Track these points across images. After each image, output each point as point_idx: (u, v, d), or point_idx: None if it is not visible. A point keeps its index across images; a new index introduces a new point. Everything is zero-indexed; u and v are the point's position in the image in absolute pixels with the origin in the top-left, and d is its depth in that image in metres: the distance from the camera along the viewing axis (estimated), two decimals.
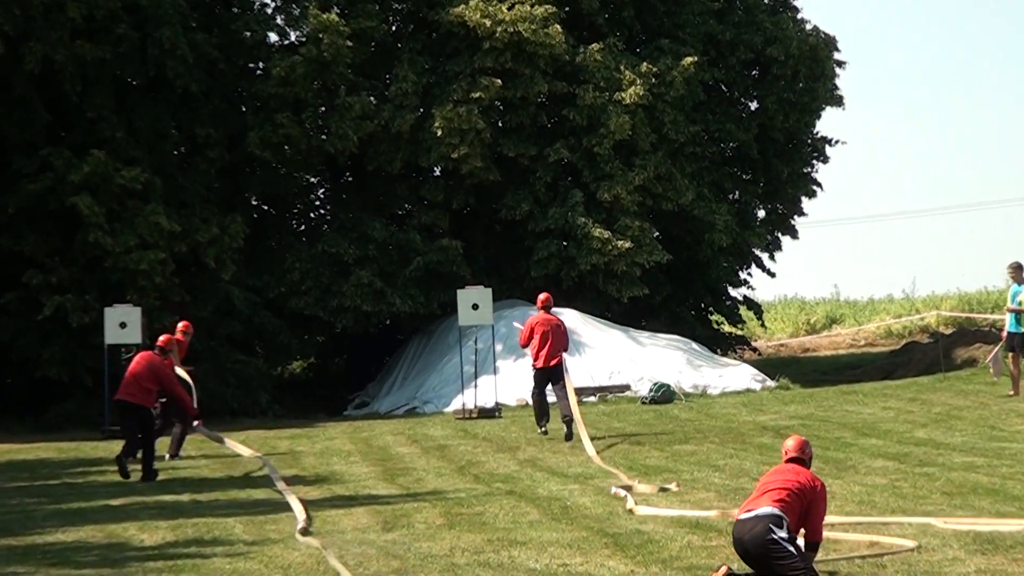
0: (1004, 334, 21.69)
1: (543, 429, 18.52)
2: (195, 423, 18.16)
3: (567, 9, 29.65)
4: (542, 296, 18.99)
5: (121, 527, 11.81)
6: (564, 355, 18.37)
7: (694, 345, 28.61)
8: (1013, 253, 50.92)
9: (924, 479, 13.23)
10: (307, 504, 12.79)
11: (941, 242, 77.57)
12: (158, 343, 16.76)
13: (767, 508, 8.69)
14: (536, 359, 18.27)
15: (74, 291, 24.24)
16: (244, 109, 28.64)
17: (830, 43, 32.11)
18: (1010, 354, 21.41)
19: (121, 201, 24.88)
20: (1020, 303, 21.03)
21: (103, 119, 25.54)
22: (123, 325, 22.45)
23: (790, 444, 9.47)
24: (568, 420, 17.48)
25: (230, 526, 11.83)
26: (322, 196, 32.56)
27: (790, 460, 9.30)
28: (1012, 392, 20.86)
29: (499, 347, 25.33)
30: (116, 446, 18.61)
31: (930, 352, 29.15)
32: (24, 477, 16.24)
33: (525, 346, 18.59)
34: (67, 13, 23.98)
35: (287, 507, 12.65)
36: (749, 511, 8.79)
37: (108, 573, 10.00)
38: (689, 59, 29.23)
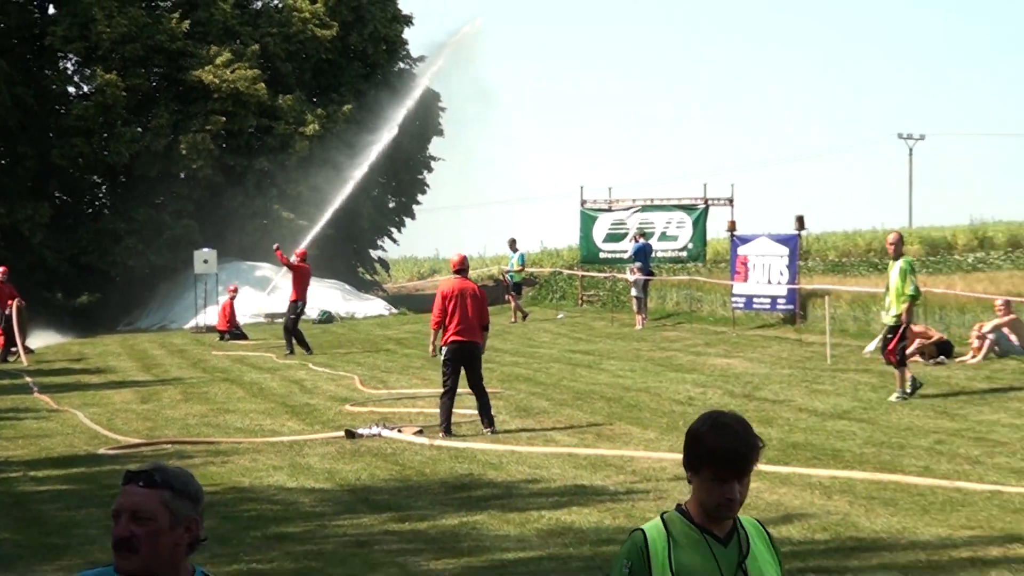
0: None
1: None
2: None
3: (269, 72, 41.01)
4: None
5: None
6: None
7: (346, 286, 38.56)
8: None
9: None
10: (87, 387, 15.01)
11: None
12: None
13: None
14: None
15: None
16: (51, 135, 39.51)
17: None
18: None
19: None
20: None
21: None
22: None
23: (455, 258, 13.94)
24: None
25: None
26: (104, 191, 43.16)
27: (457, 272, 13.81)
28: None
29: (219, 288, 31.53)
30: None
31: None
32: None
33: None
34: None
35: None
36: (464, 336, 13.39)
37: None
38: (347, 107, 41.40)
